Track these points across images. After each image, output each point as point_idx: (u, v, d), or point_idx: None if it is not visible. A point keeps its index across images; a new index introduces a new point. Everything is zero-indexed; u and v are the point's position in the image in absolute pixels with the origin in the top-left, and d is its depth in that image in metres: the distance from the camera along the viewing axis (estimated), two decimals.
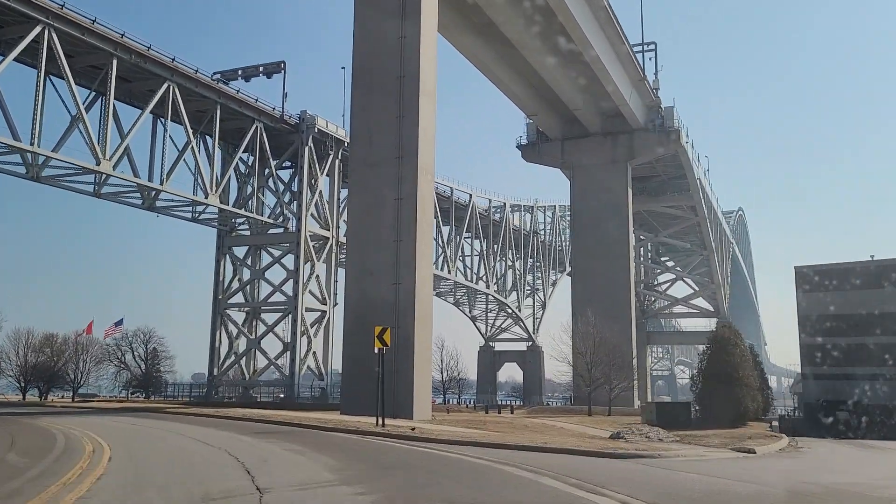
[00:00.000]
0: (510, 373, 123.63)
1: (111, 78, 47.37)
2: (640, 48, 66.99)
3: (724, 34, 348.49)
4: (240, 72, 60.44)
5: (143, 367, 72.42)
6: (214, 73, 57.70)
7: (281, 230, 62.29)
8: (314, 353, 61.33)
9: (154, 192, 53.70)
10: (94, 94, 49.08)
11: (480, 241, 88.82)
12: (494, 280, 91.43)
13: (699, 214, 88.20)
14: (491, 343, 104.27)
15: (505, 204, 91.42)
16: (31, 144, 44.22)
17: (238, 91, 57.10)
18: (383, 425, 24.88)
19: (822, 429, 36.56)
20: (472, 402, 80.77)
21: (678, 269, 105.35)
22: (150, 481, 12.55)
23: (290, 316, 59.98)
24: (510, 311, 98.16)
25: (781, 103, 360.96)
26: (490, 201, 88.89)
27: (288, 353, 59.73)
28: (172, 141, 53.16)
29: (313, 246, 61.93)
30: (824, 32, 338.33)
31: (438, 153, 40.57)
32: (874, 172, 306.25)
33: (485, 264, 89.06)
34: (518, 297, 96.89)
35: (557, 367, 61.67)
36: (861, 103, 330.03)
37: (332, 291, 63.85)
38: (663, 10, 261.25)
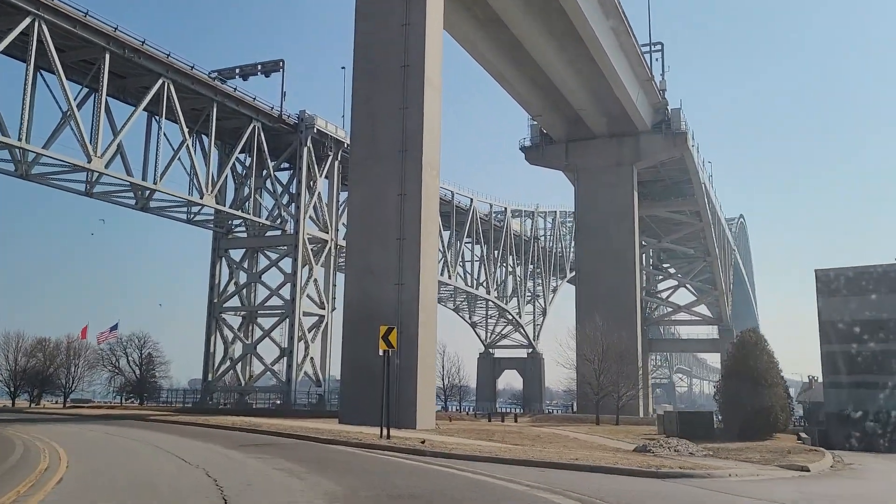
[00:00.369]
0: (508, 380, 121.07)
1: (104, 73, 44.95)
2: (647, 48, 64.88)
3: (721, 34, 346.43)
4: (238, 70, 58.02)
5: (137, 372, 70.26)
6: (212, 72, 55.30)
7: (279, 232, 59.85)
8: (311, 358, 58.83)
9: (148, 192, 51.31)
10: (86, 90, 46.75)
11: (481, 247, 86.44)
12: (495, 286, 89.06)
13: (703, 220, 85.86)
14: (491, 350, 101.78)
15: (506, 209, 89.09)
16: (20, 140, 41.86)
17: (235, 89, 54.80)
18: (388, 437, 22.21)
19: (849, 440, 34.17)
20: (470, 409, 78.20)
21: (680, 275, 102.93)
22: None
23: (288, 320, 57.50)
24: (510, 317, 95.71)
25: (782, 107, 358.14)
26: (491, 206, 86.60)
27: (285, 358, 57.22)
28: (167, 139, 50.72)
29: (312, 249, 59.49)
30: (825, 33, 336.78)
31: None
32: (876, 174, 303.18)
33: (485, 270, 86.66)
34: (518, 304, 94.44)
35: (561, 375, 59.22)
36: (862, 106, 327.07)
37: (331, 296, 61.37)
38: (664, 11, 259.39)
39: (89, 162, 44.23)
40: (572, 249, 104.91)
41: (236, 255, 61.51)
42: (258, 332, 60.47)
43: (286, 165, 61.23)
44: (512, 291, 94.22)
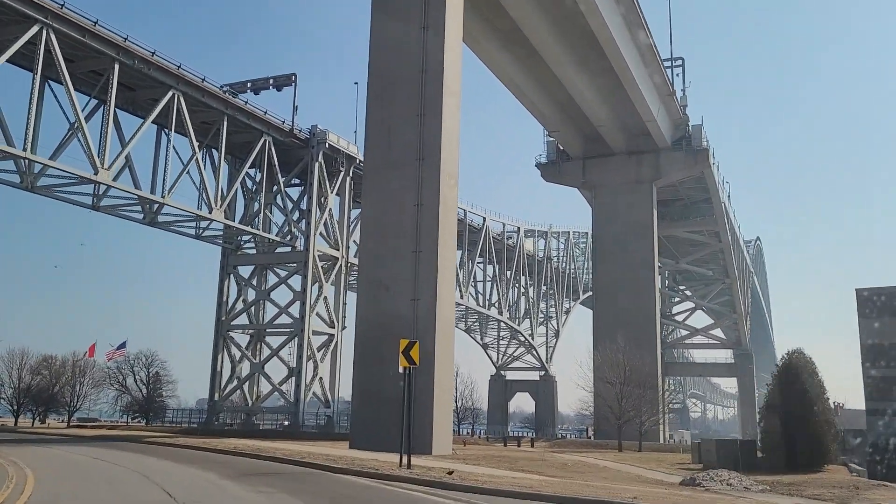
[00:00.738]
0: (519, 403, 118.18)
1: (112, 84, 43.41)
2: (668, 63, 62.94)
3: (735, 52, 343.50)
4: (249, 84, 56.61)
5: (144, 391, 68.33)
6: (223, 86, 53.84)
7: (288, 249, 57.89)
8: (320, 378, 56.54)
9: (156, 206, 49.59)
10: (94, 102, 45.28)
11: (494, 267, 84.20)
12: (507, 307, 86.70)
13: (723, 241, 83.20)
14: (502, 372, 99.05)
15: (519, 228, 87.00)
16: (25, 151, 40.25)
17: (246, 102, 53.25)
18: (409, 466, 19.56)
19: None
20: (481, 432, 75.43)
21: (697, 298, 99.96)
22: None
23: (296, 339, 55.32)
24: (523, 338, 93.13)
25: (798, 128, 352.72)
26: (504, 225, 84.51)
27: (293, 378, 54.95)
28: (177, 152, 49.00)
29: (322, 266, 57.47)
30: (842, 55, 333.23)
31: None
32: None
33: (498, 290, 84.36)
34: (531, 325, 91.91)
35: (573, 398, 56.68)
36: (882, 129, 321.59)
37: (341, 314, 59.19)
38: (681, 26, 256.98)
39: (96, 174, 42.56)
40: (586, 271, 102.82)
41: (245, 271, 59.58)
42: (266, 351, 58.38)
43: (297, 181, 59.54)
44: (524, 312, 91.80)
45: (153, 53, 45.69)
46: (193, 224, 54.21)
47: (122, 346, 67.28)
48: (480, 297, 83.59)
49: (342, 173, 59.09)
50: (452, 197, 31.50)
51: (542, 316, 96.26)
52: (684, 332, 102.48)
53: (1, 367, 61.66)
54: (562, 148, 68.69)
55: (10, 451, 24.03)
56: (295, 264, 57.59)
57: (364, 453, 24.37)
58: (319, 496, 14.59)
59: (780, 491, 18.66)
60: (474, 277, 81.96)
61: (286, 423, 57.50)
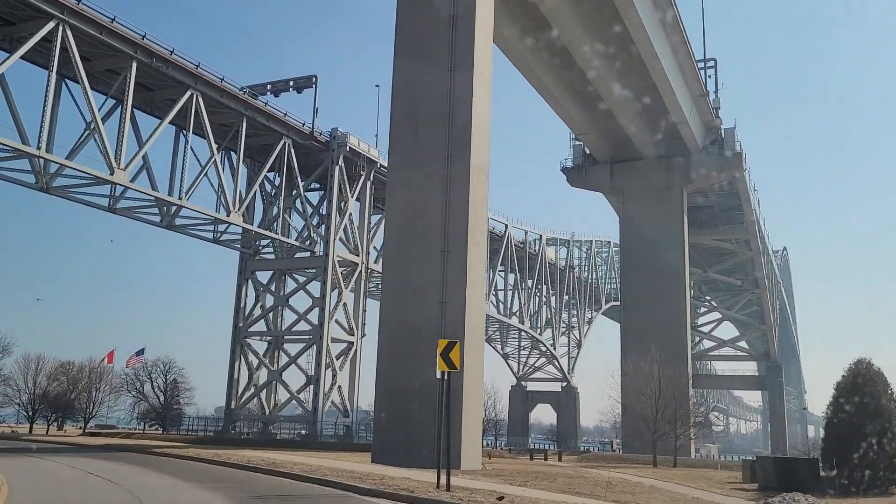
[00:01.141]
0: (537, 414, 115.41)
1: (129, 83, 42.05)
2: (700, 64, 60.41)
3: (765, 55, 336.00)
4: (269, 86, 55.27)
5: (161, 399, 67.03)
6: (242, 88, 52.42)
7: (307, 254, 56.18)
8: (339, 387, 54.59)
9: (173, 209, 48.19)
10: (111, 103, 43.94)
11: (516, 275, 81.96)
12: (528, 316, 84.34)
13: (753, 249, 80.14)
14: (523, 382, 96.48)
15: (541, 236, 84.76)
16: (39, 149, 38.87)
17: (266, 104, 51.75)
18: (448, 487, 16.90)
19: None
20: (502, 444, 72.97)
21: (723, 308, 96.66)
22: None
23: (315, 347, 53.48)
24: (544, 349, 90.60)
25: (828, 135, 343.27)
26: (526, 233, 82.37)
27: (311, 386, 53.06)
28: (194, 154, 47.63)
29: (341, 272, 55.64)
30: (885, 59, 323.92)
31: None
32: None
33: (519, 299, 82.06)
34: (553, 335, 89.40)
35: (599, 410, 54.23)
36: None
37: (360, 321, 57.33)
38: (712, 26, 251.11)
39: (112, 174, 41.11)
40: (608, 280, 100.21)
41: (263, 277, 57.97)
42: (284, 359, 56.68)
43: (316, 185, 57.97)
44: (546, 322, 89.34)
45: (172, 52, 44.35)
46: (211, 228, 52.82)
47: (141, 352, 66.36)
48: (501, 306, 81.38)
49: (362, 177, 57.36)
50: (483, 193, 29.40)
51: (564, 326, 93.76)
52: (708, 344, 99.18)
53: (16, 373, 60.56)
54: (588, 152, 66.32)
55: (5, 462, 22.15)
56: (314, 270, 55.87)
57: (391, 469, 22.08)
58: None
59: None
60: (495, 286, 79.88)
61: (303, 432, 55.68)
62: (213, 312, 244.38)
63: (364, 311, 57.72)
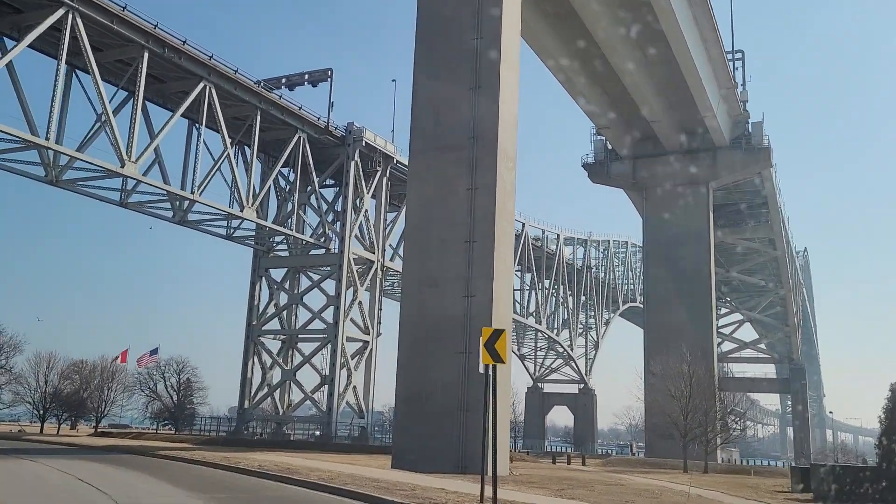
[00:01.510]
0: (552, 416, 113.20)
1: (141, 73, 40.52)
2: (728, 55, 58.06)
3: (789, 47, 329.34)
4: (283, 80, 53.43)
5: (174, 398, 65.75)
6: (257, 81, 50.89)
7: (322, 251, 54.51)
8: (354, 387, 52.82)
9: (186, 204, 46.68)
10: (122, 95, 42.49)
11: (532, 275, 79.92)
12: (545, 316, 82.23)
13: (778, 248, 77.41)
14: (539, 384, 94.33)
15: (559, 235, 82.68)
16: (47, 140, 37.38)
17: (281, 97, 50.15)
18: (495, 500, 14.31)
19: None
20: (519, 447, 70.90)
21: (745, 309, 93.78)
22: None
23: (330, 346, 51.74)
24: (561, 349, 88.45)
25: (856, 132, 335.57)
26: (544, 231, 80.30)
27: (326, 386, 51.33)
28: (207, 148, 46.13)
29: (357, 270, 53.89)
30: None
31: None
32: None
33: (536, 299, 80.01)
34: (570, 336, 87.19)
35: (614, 412, 52.03)
36: None
37: (376, 320, 55.55)
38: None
39: (123, 167, 39.58)
40: (626, 281, 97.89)
41: (277, 274, 56.35)
42: (298, 358, 55.00)
43: (331, 182, 56.30)
44: (563, 323, 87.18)
45: (184, 42, 42.81)
46: (224, 223, 51.33)
47: (155, 352, 65.22)
48: (517, 306, 79.34)
49: (378, 173, 55.60)
50: (510, 180, 27.36)
51: (582, 327, 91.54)
52: (728, 346, 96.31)
53: (27, 371, 59.31)
54: (610, 147, 64.14)
55: None
56: (328, 267, 54.15)
57: (418, 477, 19.94)
58: None
59: None
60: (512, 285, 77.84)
61: (317, 433, 53.99)
62: (227, 311, 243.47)
63: (380, 309, 55.99)
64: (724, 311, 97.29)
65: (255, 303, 55.42)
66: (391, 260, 58.48)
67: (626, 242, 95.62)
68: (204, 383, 67.99)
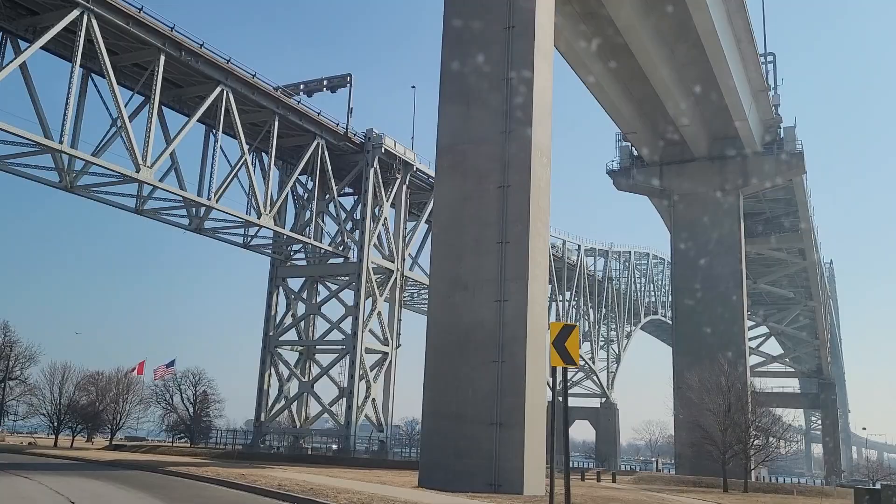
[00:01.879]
0: (572, 431, 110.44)
1: (157, 77, 39.24)
2: (761, 57, 55.76)
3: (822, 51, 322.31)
4: (302, 86, 52.07)
5: (190, 410, 64.19)
6: (275, 87, 49.56)
7: (341, 260, 52.81)
8: (373, 400, 50.80)
9: (203, 211, 45.25)
10: (138, 100, 41.26)
11: (553, 285, 77.69)
12: None
13: (808, 259, 74.48)
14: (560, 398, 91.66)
15: (580, 246, 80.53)
16: (61, 144, 36.07)
17: (299, 102, 48.72)
18: None
19: None
20: None
21: (773, 322, 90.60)
22: None
23: (348, 357, 49.83)
24: (583, 362, 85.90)
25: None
26: (564, 242, 78.19)
27: (344, 399, 49.36)
28: (224, 154, 44.71)
29: (376, 280, 52.06)
30: None
31: None
32: None
33: (557, 310, 77.72)
34: (592, 349, 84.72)
35: (633, 427, 49.43)
36: None
37: (396, 331, 53.61)
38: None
39: (138, 171, 38.17)
40: (647, 294, 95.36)
41: (294, 284, 54.66)
42: (316, 370, 53.12)
43: (349, 190, 54.71)
44: (584, 335, 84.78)
45: (202, 45, 41.52)
46: (241, 231, 49.82)
47: (171, 364, 63.73)
48: None
49: (398, 181, 53.90)
50: (545, 178, 25.31)
51: (603, 340, 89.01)
52: (761, 359, 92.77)
53: (42, 382, 57.94)
54: (636, 154, 61.98)
55: None
56: (347, 277, 52.35)
57: (451, 498, 17.88)
58: None
59: None
60: None
61: (335, 447, 52.00)
62: (244, 321, 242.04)
63: (399, 320, 54.10)
64: (749, 324, 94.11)
65: (273, 313, 53.74)
66: (411, 269, 56.66)
67: (648, 254, 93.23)
68: (220, 395, 66.63)
